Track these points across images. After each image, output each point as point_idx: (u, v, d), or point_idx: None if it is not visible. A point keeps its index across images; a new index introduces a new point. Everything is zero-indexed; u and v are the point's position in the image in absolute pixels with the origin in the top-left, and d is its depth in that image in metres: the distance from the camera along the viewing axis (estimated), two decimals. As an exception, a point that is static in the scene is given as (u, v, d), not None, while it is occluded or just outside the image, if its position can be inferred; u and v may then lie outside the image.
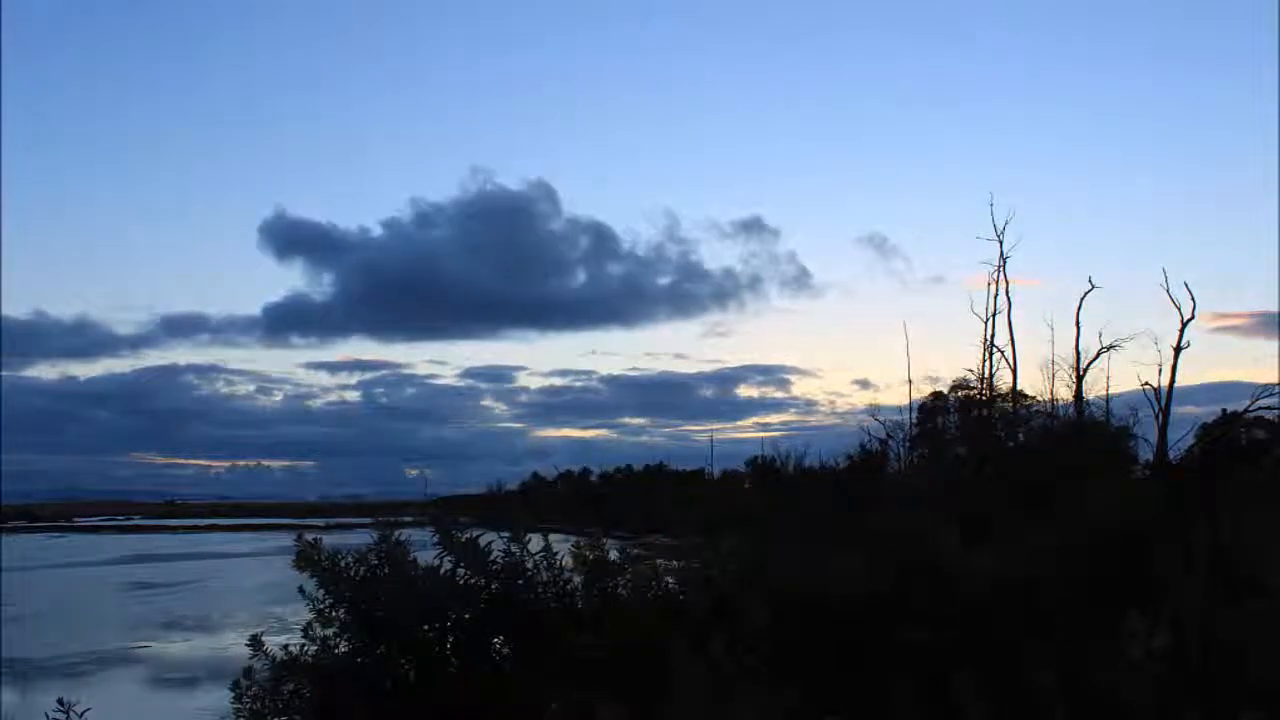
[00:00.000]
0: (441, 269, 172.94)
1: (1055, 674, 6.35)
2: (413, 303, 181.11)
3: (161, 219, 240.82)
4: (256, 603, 35.11)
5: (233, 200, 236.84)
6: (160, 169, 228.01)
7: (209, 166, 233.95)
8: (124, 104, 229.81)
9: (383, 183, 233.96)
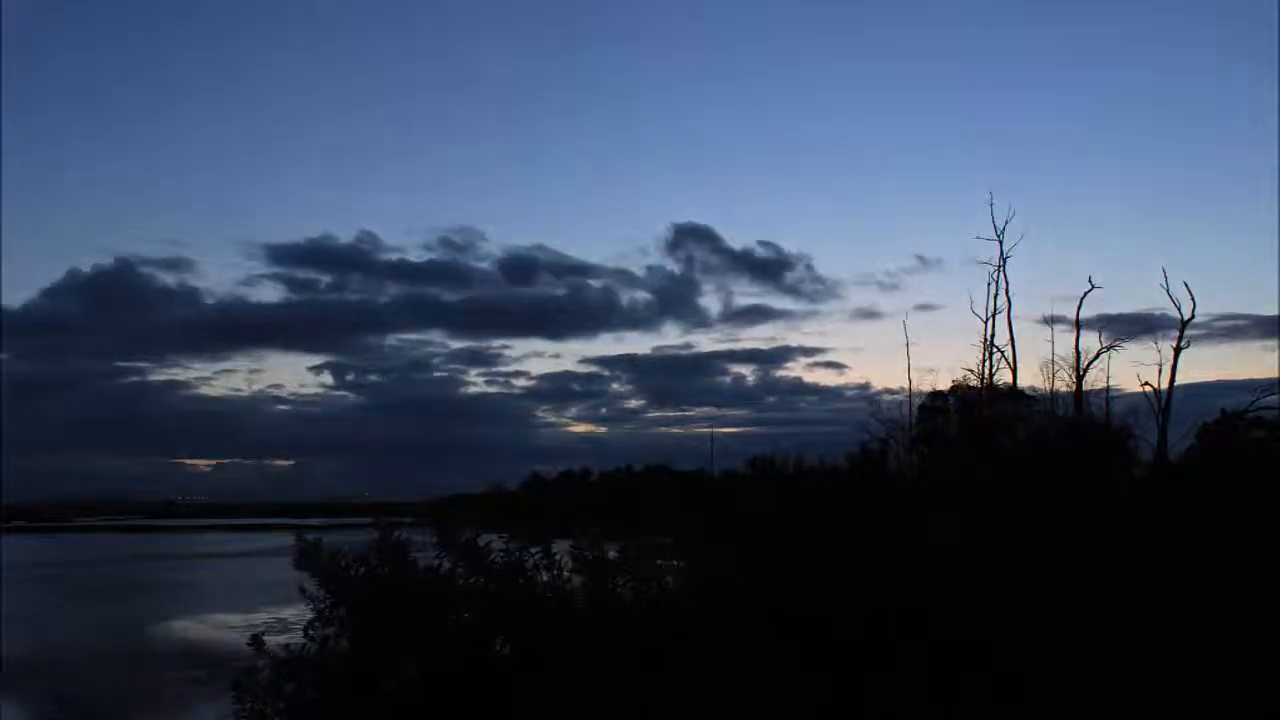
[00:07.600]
0: (439, 265, 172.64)
1: (1056, 674, 6.35)
2: (417, 305, 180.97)
3: (163, 216, 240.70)
4: (256, 602, 35.08)
5: (236, 198, 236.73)
6: (161, 169, 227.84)
7: (217, 168, 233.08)
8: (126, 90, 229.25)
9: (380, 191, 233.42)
